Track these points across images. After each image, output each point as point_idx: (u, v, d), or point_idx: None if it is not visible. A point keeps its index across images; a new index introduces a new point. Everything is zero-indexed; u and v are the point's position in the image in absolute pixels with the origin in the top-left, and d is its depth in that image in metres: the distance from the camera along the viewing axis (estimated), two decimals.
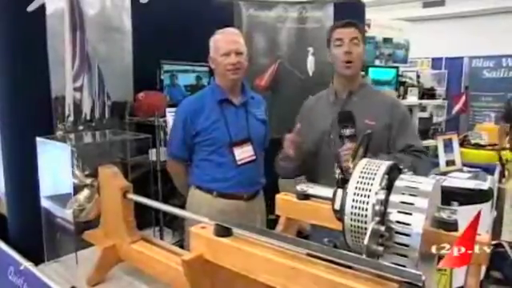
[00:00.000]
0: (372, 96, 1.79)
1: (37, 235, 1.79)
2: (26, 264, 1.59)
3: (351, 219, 0.79)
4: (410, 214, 0.75)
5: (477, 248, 0.75)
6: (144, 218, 1.79)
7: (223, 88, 1.89)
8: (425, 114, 4.78)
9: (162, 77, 2.48)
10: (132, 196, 1.41)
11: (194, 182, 1.92)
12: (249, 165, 1.86)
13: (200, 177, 1.90)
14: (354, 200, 0.80)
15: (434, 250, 0.77)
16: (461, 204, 2.35)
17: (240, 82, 1.92)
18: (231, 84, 1.88)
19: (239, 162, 1.85)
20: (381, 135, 1.67)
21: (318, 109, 1.85)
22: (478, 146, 3.75)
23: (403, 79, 4.19)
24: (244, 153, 1.86)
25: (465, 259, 0.71)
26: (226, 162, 1.84)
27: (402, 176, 0.83)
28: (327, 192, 0.98)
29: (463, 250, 0.71)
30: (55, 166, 1.77)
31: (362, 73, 3.07)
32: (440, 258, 0.79)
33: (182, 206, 1.87)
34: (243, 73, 1.89)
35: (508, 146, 3.94)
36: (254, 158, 1.89)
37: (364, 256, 0.73)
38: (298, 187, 1.15)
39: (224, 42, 1.84)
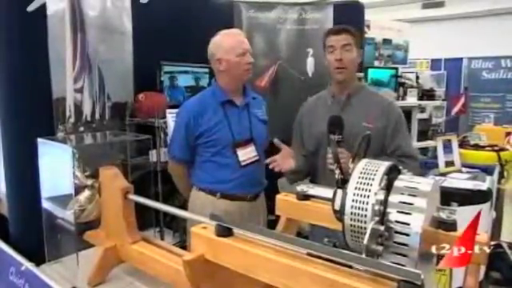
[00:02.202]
0: (370, 98, 1.83)
1: (38, 236, 1.80)
2: (27, 264, 1.59)
3: (351, 219, 0.80)
4: (410, 214, 0.76)
5: (476, 248, 0.75)
6: (144, 219, 1.79)
7: (225, 89, 1.88)
8: (424, 115, 4.76)
9: (162, 78, 2.48)
10: (133, 197, 1.42)
11: (197, 183, 1.91)
12: (252, 165, 1.86)
13: (203, 178, 1.88)
14: (353, 200, 0.80)
15: (433, 249, 0.78)
16: (460, 205, 2.34)
17: (243, 83, 1.93)
18: (240, 85, 1.89)
19: (243, 163, 1.84)
20: (378, 137, 1.70)
21: (317, 110, 1.87)
22: (477, 147, 3.74)
23: (402, 80, 4.19)
24: (247, 153, 1.86)
25: (464, 259, 0.72)
26: (230, 164, 1.83)
27: (401, 176, 0.84)
28: (327, 192, 0.99)
29: (463, 250, 0.71)
30: (56, 167, 1.77)
31: (361, 74, 3.08)
32: (439, 257, 0.80)
33: (182, 207, 1.86)
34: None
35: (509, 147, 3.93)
36: (257, 158, 1.88)
37: (364, 255, 0.74)
38: (298, 188, 1.16)
39: (237, 42, 1.83)
